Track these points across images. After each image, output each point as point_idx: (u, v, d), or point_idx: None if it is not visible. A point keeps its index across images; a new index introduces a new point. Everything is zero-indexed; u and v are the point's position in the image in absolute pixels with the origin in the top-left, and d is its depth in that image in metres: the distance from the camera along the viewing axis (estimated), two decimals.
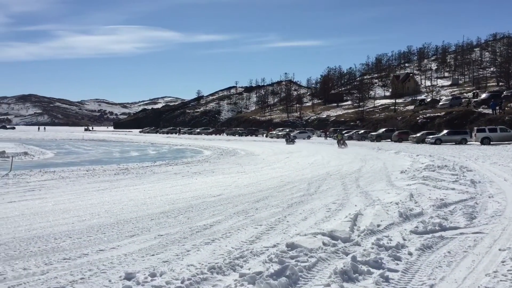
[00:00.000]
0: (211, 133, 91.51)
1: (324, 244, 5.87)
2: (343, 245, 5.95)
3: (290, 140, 43.88)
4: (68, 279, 4.80)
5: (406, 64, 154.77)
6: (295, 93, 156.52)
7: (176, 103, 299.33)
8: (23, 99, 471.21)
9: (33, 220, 7.86)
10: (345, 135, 57.22)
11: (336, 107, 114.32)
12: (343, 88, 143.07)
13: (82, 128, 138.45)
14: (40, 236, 6.71)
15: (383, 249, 5.77)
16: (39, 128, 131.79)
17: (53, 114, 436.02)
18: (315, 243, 5.88)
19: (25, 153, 25.60)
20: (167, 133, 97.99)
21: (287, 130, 65.26)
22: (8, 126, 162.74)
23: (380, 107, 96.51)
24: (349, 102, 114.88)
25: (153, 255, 5.72)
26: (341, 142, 36.83)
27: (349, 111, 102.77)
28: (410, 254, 5.67)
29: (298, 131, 68.87)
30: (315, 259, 5.26)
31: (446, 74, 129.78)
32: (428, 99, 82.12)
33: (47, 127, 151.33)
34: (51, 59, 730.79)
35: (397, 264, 5.32)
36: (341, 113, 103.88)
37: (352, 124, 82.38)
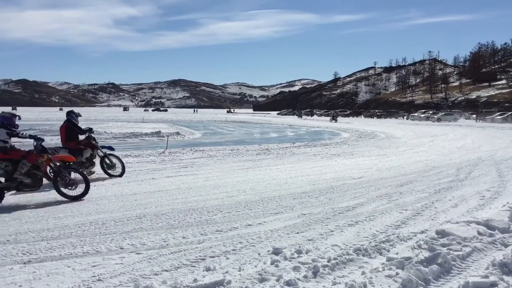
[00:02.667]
0: (348, 115, 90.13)
1: (479, 233, 5.44)
2: (501, 236, 5.46)
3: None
4: (222, 249, 5.17)
5: None
6: (440, 72, 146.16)
7: (313, 85, 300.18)
8: (174, 83, 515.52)
9: (187, 194, 8.60)
10: (499, 117, 52.40)
11: (487, 86, 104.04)
12: (497, 66, 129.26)
13: (225, 110, 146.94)
14: (194, 208, 7.32)
15: None
16: (194, 111, 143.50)
17: (199, 97, 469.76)
18: (468, 231, 5.48)
19: (177, 133, 28.03)
20: (305, 114, 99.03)
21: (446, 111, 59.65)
22: (161, 109, 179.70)
23: None
24: (504, 82, 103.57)
25: (297, 232, 5.88)
26: (334, 119, 57.71)
27: (504, 91, 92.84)
28: None
29: (443, 113, 64.30)
30: (469, 248, 4.91)
31: None
32: None
33: (194, 110, 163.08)
34: (197, 46, 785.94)
35: None
36: (493, 93, 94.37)
37: (508, 105, 74.34)
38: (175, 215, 6.88)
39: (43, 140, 8.23)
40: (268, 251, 5.05)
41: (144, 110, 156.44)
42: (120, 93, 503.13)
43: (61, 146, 10.53)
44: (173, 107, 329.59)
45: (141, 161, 13.96)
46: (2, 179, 7.73)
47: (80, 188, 8.06)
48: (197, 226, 6.22)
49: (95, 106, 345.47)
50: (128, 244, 5.39)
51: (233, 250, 5.15)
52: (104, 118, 64.25)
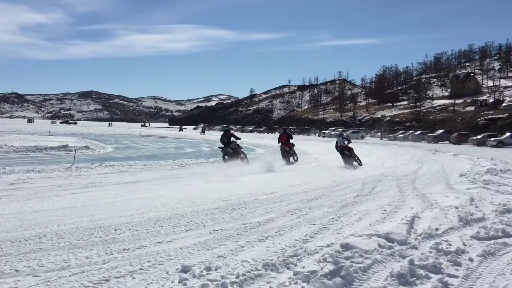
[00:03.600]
0: (263, 131, 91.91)
1: (380, 246, 5.75)
2: (400, 248, 5.81)
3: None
4: (128, 269, 4.97)
5: (467, 64, 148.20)
6: (349, 92, 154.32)
7: (229, 101, 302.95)
8: (85, 95, 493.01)
9: (94, 211, 8.21)
10: (401, 136, 56.04)
11: (391, 107, 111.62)
12: (399, 88, 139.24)
13: (139, 124, 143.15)
14: (101, 226, 7.00)
15: (442, 253, 5.58)
16: (108, 124, 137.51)
17: (112, 110, 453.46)
18: (370, 244, 5.78)
19: (87, 147, 26.80)
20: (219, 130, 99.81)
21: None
22: (70, 121, 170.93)
23: (438, 108, 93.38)
24: (405, 102, 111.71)
25: (208, 249, 5.83)
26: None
27: (405, 111, 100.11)
28: (471, 260, 5.46)
29: (351, 130, 67.86)
30: (370, 260, 5.17)
31: (510, 74, 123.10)
32: (490, 100, 78.62)
33: (109, 123, 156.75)
34: (111, 57, 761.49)
35: (457, 269, 5.13)
36: (396, 113, 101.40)
37: (408, 124, 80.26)
38: (79, 234, 6.52)
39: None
40: (177, 269, 4.94)
41: (51, 123, 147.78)
42: (25, 104, 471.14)
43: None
44: (84, 120, 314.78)
45: (44, 176, 13.14)
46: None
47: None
48: (103, 245, 5.94)
49: None
50: (24, 266, 5.00)
51: (140, 269, 4.97)
52: (5, 130, 59.73)
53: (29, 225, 7.00)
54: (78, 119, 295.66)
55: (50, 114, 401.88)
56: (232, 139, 19.61)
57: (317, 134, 78.18)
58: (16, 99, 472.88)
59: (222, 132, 20.65)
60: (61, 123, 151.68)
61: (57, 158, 20.55)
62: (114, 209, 8.43)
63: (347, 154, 19.30)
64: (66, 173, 14.07)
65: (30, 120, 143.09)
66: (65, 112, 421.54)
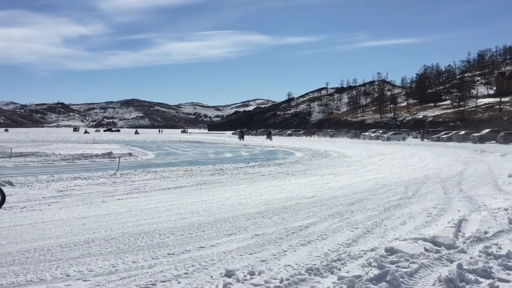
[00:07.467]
0: (301, 135, 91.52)
1: (426, 250, 5.62)
2: (447, 252, 5.65)
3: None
4: (173, 273, 5.07)
5: None
6: (388, 93, 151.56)
7: (267, 105, 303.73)
8: (127, 103, 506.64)
9: (139, 217, 8.41)
10: (444, 136, 54.82)
11: (433, 107, 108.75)
12: (441, 87, 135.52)
13: (179, 130, 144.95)
14: (146, 231, 7.16)
15: (492, 257, 5.39)
16: (159, 131, 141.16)
17: (153, 117, 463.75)
18: (416, 248, 5.65)
19: (130, 154, 27.47)
20: (258, 135, 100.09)
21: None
22: (113, 129, 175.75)
23: (483, 107, 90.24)
24: (448, 102, 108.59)
25: (251, 254, 5.86)
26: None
27: (448, 111, 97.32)
28: None
29: (392, 132, 66.58)
30: (417, 265, 5.05)
31: None
32: None
33: (153, 130, 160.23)
34: (151, 66, 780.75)
35: (509, 274, 4.94)
36: (439, 113, 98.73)
37: (452, 124, 78.01)
38: (125, 239, 6.70)
39: None
40: (221, 273, 5.00)
41: (96, 131, 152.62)
42: (70, 113, 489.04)
43: None
44: (126, 127, 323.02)
45: (91, 183, 13.57)
46: None
47: None
48: (148, 250, 6.08)
49: (43, 127, 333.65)
50: (74, 271, 5.19)
51: (185, 273, 5.06)
52: (52, 139, 62.11)
53: (78, 230, 7.25)
54: (121, 127, 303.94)
55: (94, 123, 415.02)
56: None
57: (360, 136, 77.20)
58: (62, 109, 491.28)
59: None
60: (104, 131, 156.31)
61: (102, 165, 21.18)
62: (157, 215, 8.60)
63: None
64: (111, 180, 14.47)
65: (75, 129, 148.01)
66: (108, 120, 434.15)
